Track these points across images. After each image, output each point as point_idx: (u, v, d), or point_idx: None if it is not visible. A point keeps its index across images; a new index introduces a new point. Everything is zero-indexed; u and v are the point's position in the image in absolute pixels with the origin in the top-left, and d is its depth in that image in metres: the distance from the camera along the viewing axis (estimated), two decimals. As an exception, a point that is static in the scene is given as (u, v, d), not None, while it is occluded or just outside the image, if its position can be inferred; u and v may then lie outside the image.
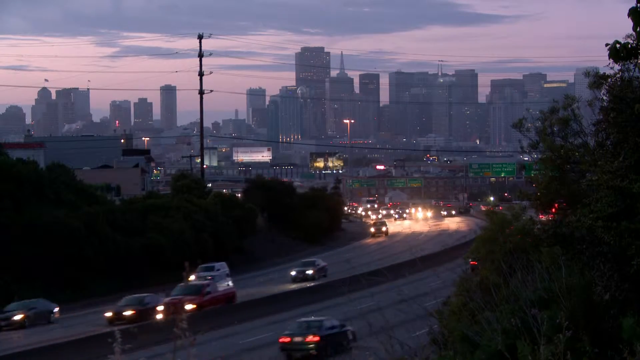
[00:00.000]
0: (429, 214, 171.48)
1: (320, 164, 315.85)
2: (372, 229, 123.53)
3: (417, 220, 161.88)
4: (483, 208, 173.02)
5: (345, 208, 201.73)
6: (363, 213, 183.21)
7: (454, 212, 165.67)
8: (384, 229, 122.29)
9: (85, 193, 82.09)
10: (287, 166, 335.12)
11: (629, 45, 12.69)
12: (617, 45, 12.58)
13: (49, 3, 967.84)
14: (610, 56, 12.76)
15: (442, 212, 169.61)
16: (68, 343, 47.40)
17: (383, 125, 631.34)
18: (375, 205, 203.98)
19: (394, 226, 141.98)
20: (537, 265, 16.47)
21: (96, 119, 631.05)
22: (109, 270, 72.61)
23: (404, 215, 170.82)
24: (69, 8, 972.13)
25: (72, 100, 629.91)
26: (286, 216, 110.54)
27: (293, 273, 73.86)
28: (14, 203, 70.62)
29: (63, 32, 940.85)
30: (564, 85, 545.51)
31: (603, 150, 18.05)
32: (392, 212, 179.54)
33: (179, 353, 7.86)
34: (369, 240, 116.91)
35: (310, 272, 73.39)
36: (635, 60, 14.20)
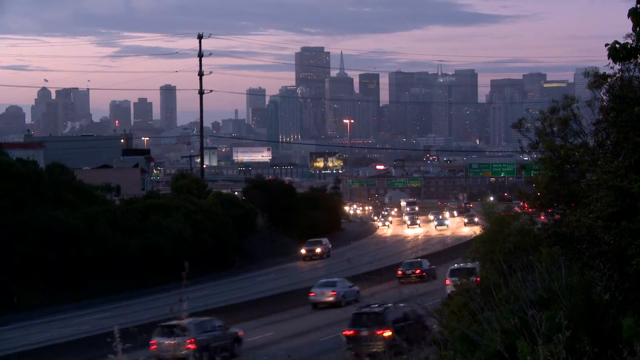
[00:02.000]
0: (447, 222, 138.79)
1: (320, 164, 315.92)
2: (303, 250, 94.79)
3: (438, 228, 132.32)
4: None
5: (362, 209, 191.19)
6: (385, 221, 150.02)
7: (477, 220, 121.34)
8: (318, 249, 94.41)
9: (85, 193, 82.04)
10: (287, 166, 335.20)
11: (629, 46, 12.68)
12: (617, 46, 12.57)
13: (49, 3, 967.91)
14: (610, 56, 12.75)
15: (464, 220, 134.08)
16: (68, 343, 47.43)
17: (383, 125, 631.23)
18: (417, 208, 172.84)
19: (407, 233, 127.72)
20: (537, 265, 16.47)
21: (96, 119, 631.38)
22: (109, 270, 72.56)
23: (418, 221, 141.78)
24: (70, 8, 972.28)
25: (72, 100, 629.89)
26: (286, 216, 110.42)
27: None
28: (14, 203, 70.57)
29: (63, 32, 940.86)
30: (563, 85, 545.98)
31: (603, 150, 18.06)
32: (445, 215, 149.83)
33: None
34: (299, 264, 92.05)
35: None
36: (635, 61, 14.20)
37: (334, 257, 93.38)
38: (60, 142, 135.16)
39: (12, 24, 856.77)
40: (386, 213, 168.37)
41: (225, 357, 39.66)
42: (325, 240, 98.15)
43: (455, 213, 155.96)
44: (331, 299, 56.92)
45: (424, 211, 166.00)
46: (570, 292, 14.07)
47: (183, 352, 35.48)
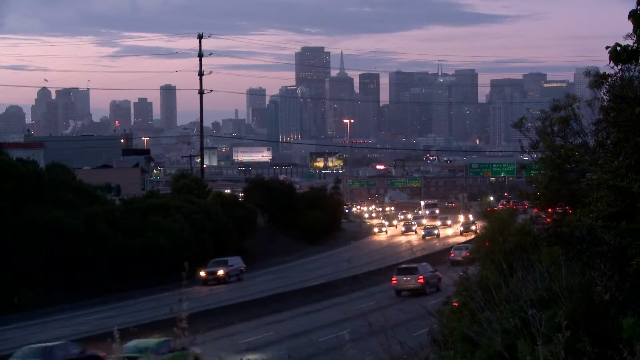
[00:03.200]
0: (436, 230, 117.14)
1: (320, 163, 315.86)
2: (203, 273, 75.83)
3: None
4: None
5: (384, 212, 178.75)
6: (381, 227, 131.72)
7: (474, 228, 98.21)
8: (220, 272, 77.01)
9: (85, 193, 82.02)
10: (287, 166, 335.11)
11: (630, 48, 12.66)
12: (618, 48, 12.54)
13: (50, 3, 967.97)
14: (611, 59, 12.73)
15: (460, 228, 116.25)
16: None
17: (383, 125, 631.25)
18: (437, 211, 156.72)
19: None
20: (537, 265, 16.48)
21: (96, 119, 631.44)
22: (109, 270, 72.57)
23: (414, 228, 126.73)
24: (71, 8, 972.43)
25: (72, 100, 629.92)
26: (286, 216, 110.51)
27: None
28: (14, 203, 70.58)
29: (63, 32, 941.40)
30: (564, 85, 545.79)
31: (603, 149, 18.07)
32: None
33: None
34: (198, 288, 71.88)
35: None
36: (636, 62, 14.19)
37: (253, 279, 79.28)
38: (60, 142, 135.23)
39: (12, 24, 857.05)
40: (402, 217, 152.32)
41: (434, 290, 58.91)
42: (234, 260, 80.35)
43: (471, 217, 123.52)
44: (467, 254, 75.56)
45: (446, 214, 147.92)
46: (570, 292, 14.08)
47: (415, 285, 60.55)
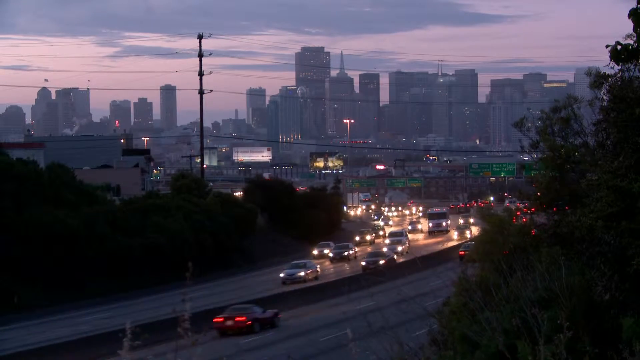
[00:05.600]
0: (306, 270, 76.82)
1: (320, 163, 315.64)
2: None
3: None
4: (475, 204, 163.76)
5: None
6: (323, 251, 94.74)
7: (395, 258, 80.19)
8: None
9: (85, 193, 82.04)
10: (287, 166, 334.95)
11: (630, 47, 12.68)
12: (618, 47, 12.56)
13: (49, 4, 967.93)
14: (611, 58, 12.75)
15: (361, 263, 78.20)
16: (68, 343, 47.43)
17: (383, 125, 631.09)
18: (444, 224, 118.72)
19: None
20: (537, 265, 16.48)
21: (96, 119, 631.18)
22: (109, 270, 72.59)
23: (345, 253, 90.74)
24: (71, 8, 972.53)
25: (72, 100, 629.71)
26: (286, 216, 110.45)
27: None
28: (14, 203, 70.61)
29: (64, 32, 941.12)
30: (564, 85, 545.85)
31: (603, 150, 18.08)
32: None
33: (180, 353, 7.87)
34: None
35: None
36: (636, 62, 14.20)
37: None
38: (60, 142, 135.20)
39: (12, 24, 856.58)
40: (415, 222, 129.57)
41: None
42: None
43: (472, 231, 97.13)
44: None
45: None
46: (570, 292, 14.09)
47: None
